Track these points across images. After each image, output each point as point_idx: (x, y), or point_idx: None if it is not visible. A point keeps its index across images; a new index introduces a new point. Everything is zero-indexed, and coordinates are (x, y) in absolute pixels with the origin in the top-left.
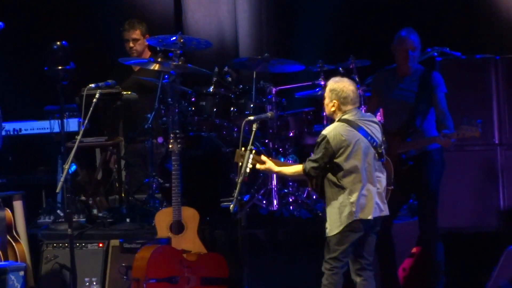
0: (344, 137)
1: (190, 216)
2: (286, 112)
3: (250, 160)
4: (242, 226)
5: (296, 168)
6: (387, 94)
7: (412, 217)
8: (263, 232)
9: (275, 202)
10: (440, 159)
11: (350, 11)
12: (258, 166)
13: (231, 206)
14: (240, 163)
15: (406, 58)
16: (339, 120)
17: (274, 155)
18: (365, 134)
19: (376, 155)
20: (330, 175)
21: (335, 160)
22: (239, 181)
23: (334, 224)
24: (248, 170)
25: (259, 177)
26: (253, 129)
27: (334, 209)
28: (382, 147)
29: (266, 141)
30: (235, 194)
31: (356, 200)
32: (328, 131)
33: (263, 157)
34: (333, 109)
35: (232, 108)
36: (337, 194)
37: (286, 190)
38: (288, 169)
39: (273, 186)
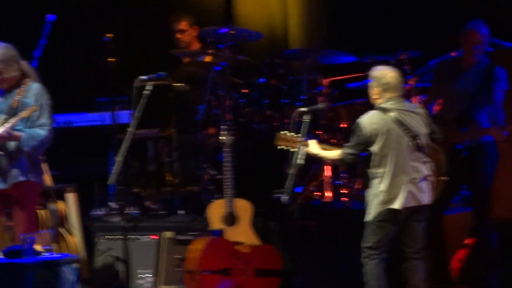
0: (375, 125)
1: (243, 207)
2: (338, 104)
3: (302, 152)
4: (295, 217)
5: (335, 154)
6: (449, 83)
7: (465, 208)
8: (316, 223)
9: (328, 193)
10: (495, 152)
11: (401, 1)
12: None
13: (284, 197)
14: (280, 146)
15: (473, 50)
16: (375, 108)
17: None
18: (399, 123)
19: (413, 145)
20: (367, 164)
21: (369, 148)
22: (291, 173)
23: (368, 212)
24: (300, 161)
25: (312, 169)
26: (305, 120)
27: (369, 197)
28: (421, 138)
29: (318, 132)
30: (288, 186)
31: (386, 189)
32: (362, 118)
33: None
34: (374, 96)
35: (283, 100)
36: (371, 182)
37: (338, 182)
38: (328, 153)
39: (326, 178)
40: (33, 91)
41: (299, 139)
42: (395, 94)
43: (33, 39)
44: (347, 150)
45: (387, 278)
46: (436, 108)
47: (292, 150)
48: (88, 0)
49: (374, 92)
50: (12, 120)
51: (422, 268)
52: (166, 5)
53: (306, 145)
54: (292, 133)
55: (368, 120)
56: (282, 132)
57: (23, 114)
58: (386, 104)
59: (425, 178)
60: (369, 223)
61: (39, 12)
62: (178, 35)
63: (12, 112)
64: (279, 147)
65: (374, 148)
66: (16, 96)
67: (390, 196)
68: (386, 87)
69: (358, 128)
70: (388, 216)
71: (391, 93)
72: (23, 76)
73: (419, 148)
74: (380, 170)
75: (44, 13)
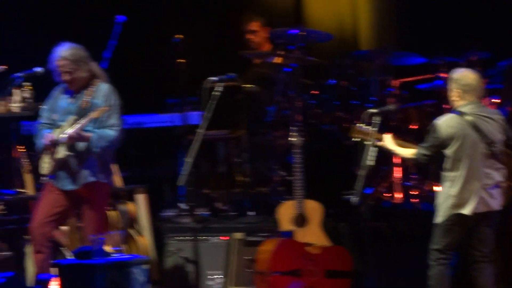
0: (451, 129)
1: (313, 209)
2: (407, 105)
3: (373, 154)
4: (365, 218)
5: (410, 152)
6: None
7: None
8: (386, 224)
9: (397, 194)
10: None
11: (470, 2)
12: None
13: (354, 198)
14: (355, 138)
15: None
16: (453, 111)
17: None
18: (476, 129)
19: (488, 152)
20: (440, 166)
21: (444, 151)
22: (361, 174)
23: (438, 214)
24: (371, 163)
25: (382, 170)
26: (375, 121)
27: (439, 200)
28: (497, 145)
29: (387, 134)
30: (358, 187)
31: (457, 194)
32: (439, 120)
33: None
34: (454, 98)
35: (353, 101)
36: (443, 185)
37: (408, 183)
38: (403, 150)
39: (396, 179)
40: (102, 91)
41: (374, 132)
42: (475, 96)
43: (103, 40)
44: (422, 151)
45: (451, 283)
46: (510, 109)
47: (366, 143)
48: (158, 1)
49: (454, 94)
50: (82, 121)
51: (490, 271)
52: (236, 6)
53: (381, 139)
54: (368, 126)
55: (445, 123)
56: (358, 124)
57: (94, 114)
58: (465, 108)
59: (497, 185)
60: (439, 226)
61: (109, 13)
62: (250, 36)
63: (81, 112)
64: (354, 139)
65: (449, 152)
66: (85, 97)
67: (461, 201)
68: (466, 89)
69: (435, 130)
70: (458, 220)
71: (471, 95)
72: (93, 77)
73: (493, 155)
74: (453, 174)
75: (114, 14)
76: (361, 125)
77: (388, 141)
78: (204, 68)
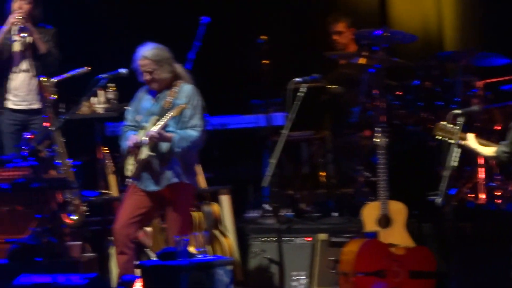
0: None
1: (398, 209)
2: (492, 106)
3: (457, 155)
4: (449, 219)
5: (491, 150)
6: None
7: None
8: (470, 225)
9: (481, 195)
10: None
11: None
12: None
13: (438, 199)
14: (439, 137)
15: None
16: None
17: None
18: None
19: None
20: None
21: None
22: (445, 175)
23: None
24: (455, 164)
25: (466, 171)
26: (459, 122)
27: None
28: None
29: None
30: (442, 188)
31: None
32: None
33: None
34: None
35: (437, 102)
36: None
37: (492, 184)
38: (485, 149)
39: (480, 180)
40: (185, 92)
41: (458, 131)
42: None
43: (188, 41)
44: (503, 148)
45: None
46: None
47: (449, 141)
48: (243, 2)
49: None
50: (163, 120)
51: None
52: (321, 7)
53: (464, 139)
54: (452, 125)
55: None
56: (442, 123)
57: (173, 113)
58: None
59: None
60: None
61: (194, 14)
62: (335, 37)
63: (163, 113)
64: (437, 137)
65: None
66: (167, 98)
67: None
68: None
69: None
70: None
71: None
72: (176, 77)
73: None
74: None
75: (199, 15)
76: (444, 123)
77: (471, 140)
78: (289, 69)
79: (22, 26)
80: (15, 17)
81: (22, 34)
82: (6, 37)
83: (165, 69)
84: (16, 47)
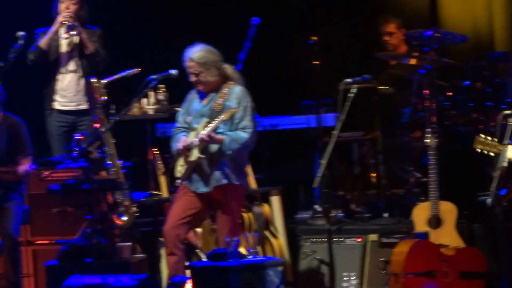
0: None
1: (448, 210)
2: None
3: (507, 154)
4: (500, 219)
5: None
6: None
7: None
8: None
9: None
10: None
11: None
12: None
13: (488, 200)
14: (479, 150)
15: None
16: None
17: None
18: None
19: None
20: None
21: None
22: (496, 175)
23: None
24: (505, 164)
25: None
26: (510, 123)
27: None
28: None
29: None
30: (492, 188)
31: None
32: None
33: None
34: None
35: (488, 102)
36: None
37: None
38: None
39: None
40: (235, 94)
41: (498, 145)
42: None
43: (238, 41)
44: None
45: None
46: None
47: (490, 154)
48: (293, 3)
49: None
50: (213, 123)
51: None
52: (372, 7)
53: (504, 149)
54: (492, 138)
55: None
56: (482, 136)
57: (224, 116)
58: None
59: None
60: None
61: (245, 15)
62: (386, 38)
63: (214, 115)
64: (477, 150)
65: None
66: (218, 100)
67: None
68: None
69: None
70: None
71: None
72: (225, 79)
73: None
74: None
75: (250, 16)
76: (483, 136)
77: (510, 152)
78: (339, 70)
79: (71, 24)
80: (63, 16)
81: (71, 32)
82: (53, 38)
83: (212, 72)
84: (64, 47)
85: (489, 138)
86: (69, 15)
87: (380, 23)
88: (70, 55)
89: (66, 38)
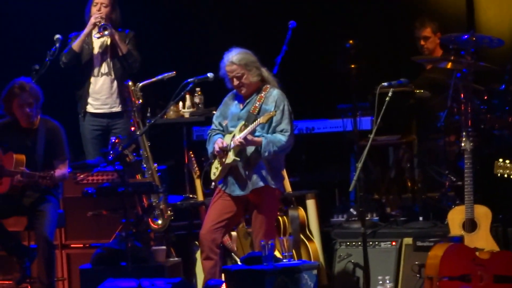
0: None
1: (483, 214)
2: None
3: None
4: None
5: None
6: None
7: None
8: None
9: None
10: None
11: None
12: None
13: None
14: (500, 175)
15: None
16: None
17: None
18: None
19: None
20: None
21: None
22: None
23: None
24: None
25: None
26: None
27: None
28: None
29: None
30: None
31: None
32: None
33: None
34: None
35: None
36: None
37: None
38: None
39: None
40: (273, 97)
41: None
42: None
43: (276, 45)
44: None
45: None
46: None
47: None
48: (330, 7)
49: None
50: (250, 126)
51: None
52: (408, 11)
53: None
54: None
55: None
56: (500, 160)
57: (261, 120)
58: None
59: None
60: None
61: (282, 19)
62: (422, 42)
63: (251, 118)
64: (498, 175)
65: None
66: (256, 103)
67: None
68: None
69: None
70: None
71: None
72: (263, 82)
73: None
74: None
75: (287, 20)
76: (501, 160)
77: None
78: (376, 74)
79: (103, 24)
80: (95, 18)
81: (105, 32)
82: (86, 41)
83: (254, 73)
84: (96, 49)
85: (507, 161)
86: (101, 15)
87: (416, 27)
88: (102, 58)
89: (99, 38)
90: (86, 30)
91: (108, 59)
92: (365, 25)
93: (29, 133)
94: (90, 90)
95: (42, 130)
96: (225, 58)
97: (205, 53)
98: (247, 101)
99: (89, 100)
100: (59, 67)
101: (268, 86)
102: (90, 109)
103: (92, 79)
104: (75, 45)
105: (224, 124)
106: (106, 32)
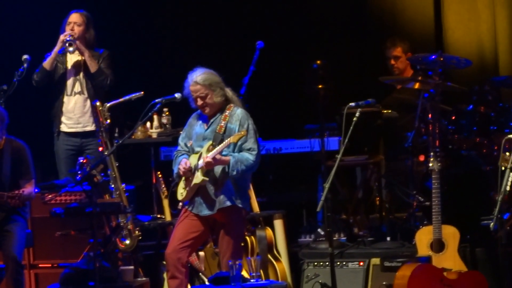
0: None
1: (451, 234)
2: None
3: (510, 179)
4: (503, 244)
5: None
6: None
7: None
8: None
9: None
10: None
11: None
12: None
13: (491, 224)
14: (504, 168)
15: None
16: None
17: None
18: None
19: None
20: None
21: None
22: (499, 199)
23: None
24: (508, 188)
25: None
26: None
27: None
28: None
29: None
30: (496, 212)
31: None
32: None
33: None
34: None
35: (492, 126)
36: None
37: None
38: None
39: None
40: (237, 116)
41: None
42: None
43: (244, 65)
44: None
45: None
46: None
47: None
48: (298, 27)
49: None
50: (219, 146)
51: None
52: (376, 32)
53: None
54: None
55: None
56: (507, 154)
57: (232, 139)
58: None
59: None
60: None
61: (248, 39)
62: (392, 62)
63: (217, 137)
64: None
65: None
66: (221, 122)
67: None
68: None
69: None
70: None
71: None
72: (227, 101)
73: None
74: None
75: (255, 40)
76: (508, 154)
77: None
78: (344, 94)
79: (69, 39)
80: (65, 34)
81: (69, 48)
82: (59, 60)
83: (218, 93)
84: (69, 68)
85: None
86: (71, 33)
87: (387, 46)
88: (75, 76)
89: (70, 53)
90: (56, 48)
91: (81, 78)
92: (333, 45)
93: None
94: (63, 109)
95: (8, 150)
96: (189, 77)
97: (172, 74)
98: (211, 120)
99: (63, 119)
100: (31, 86)
101: (232, 105)
102: (63, 128)
103: (65, 98)
104: (46, 63)
105: (189, 145)
106: (70, 49)
